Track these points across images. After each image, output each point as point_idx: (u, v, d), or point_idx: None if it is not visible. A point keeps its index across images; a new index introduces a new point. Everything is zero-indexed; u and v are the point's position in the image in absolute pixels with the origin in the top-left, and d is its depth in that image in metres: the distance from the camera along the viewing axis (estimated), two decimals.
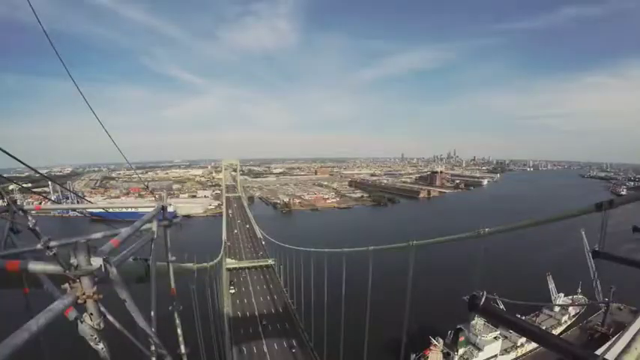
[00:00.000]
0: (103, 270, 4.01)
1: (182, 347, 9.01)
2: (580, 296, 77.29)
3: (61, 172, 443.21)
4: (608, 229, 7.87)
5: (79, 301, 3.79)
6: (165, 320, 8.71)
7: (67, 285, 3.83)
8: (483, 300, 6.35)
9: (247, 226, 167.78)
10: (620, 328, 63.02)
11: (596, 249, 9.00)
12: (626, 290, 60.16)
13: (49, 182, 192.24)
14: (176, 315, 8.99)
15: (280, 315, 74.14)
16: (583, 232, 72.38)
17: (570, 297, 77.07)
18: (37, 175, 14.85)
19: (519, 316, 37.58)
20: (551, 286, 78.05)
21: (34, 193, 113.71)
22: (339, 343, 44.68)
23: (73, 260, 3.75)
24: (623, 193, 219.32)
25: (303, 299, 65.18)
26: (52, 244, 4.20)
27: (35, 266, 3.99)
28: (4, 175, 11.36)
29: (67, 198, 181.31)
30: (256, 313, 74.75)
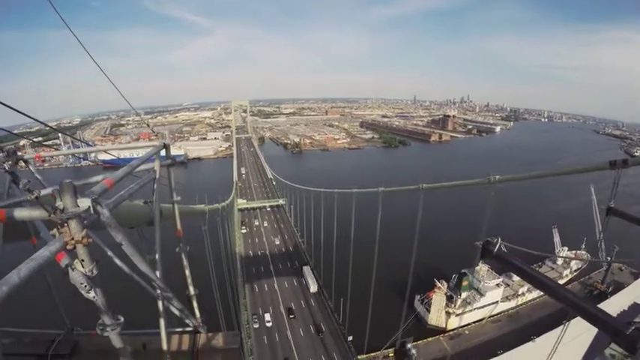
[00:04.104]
0: (92, 211, 3.69)
1: (191, 289, 9.13)
2: (583, 252, 77.08)
3: (70, 123, 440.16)
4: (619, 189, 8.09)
5: (68, 247, 3.49)
6: (176, 262, 8.76)
7: (55, 230, 3.54)
8: (498, 247, 6.17)
9: (257, 161, 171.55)
10: (620, 288, 63.89)
11: (611, 205, 9.13)
12: (629, 252, 61.34)
13: (59, 134, 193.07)
14: (183, 257, 8.98)
15: (291, 254, 77.22)
16: (592, 189, 70.49)
17: (574, 252, 76.83)
18: (47, 128, 14.47)
19: None
20: (556, 239, 77.45)
21: (45, 146, 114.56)
22: (347, 282, 46.49)
23: (58, 203, 3.42)
24: (637, 154, 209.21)
25: (313, 239, 67.10)
26: (43, 191, 3.89)
27: (20, 213, 3.69)
28: (14, 132, 11.21)
29: (79, 148, 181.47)
30: (267, 253, 77.90)
